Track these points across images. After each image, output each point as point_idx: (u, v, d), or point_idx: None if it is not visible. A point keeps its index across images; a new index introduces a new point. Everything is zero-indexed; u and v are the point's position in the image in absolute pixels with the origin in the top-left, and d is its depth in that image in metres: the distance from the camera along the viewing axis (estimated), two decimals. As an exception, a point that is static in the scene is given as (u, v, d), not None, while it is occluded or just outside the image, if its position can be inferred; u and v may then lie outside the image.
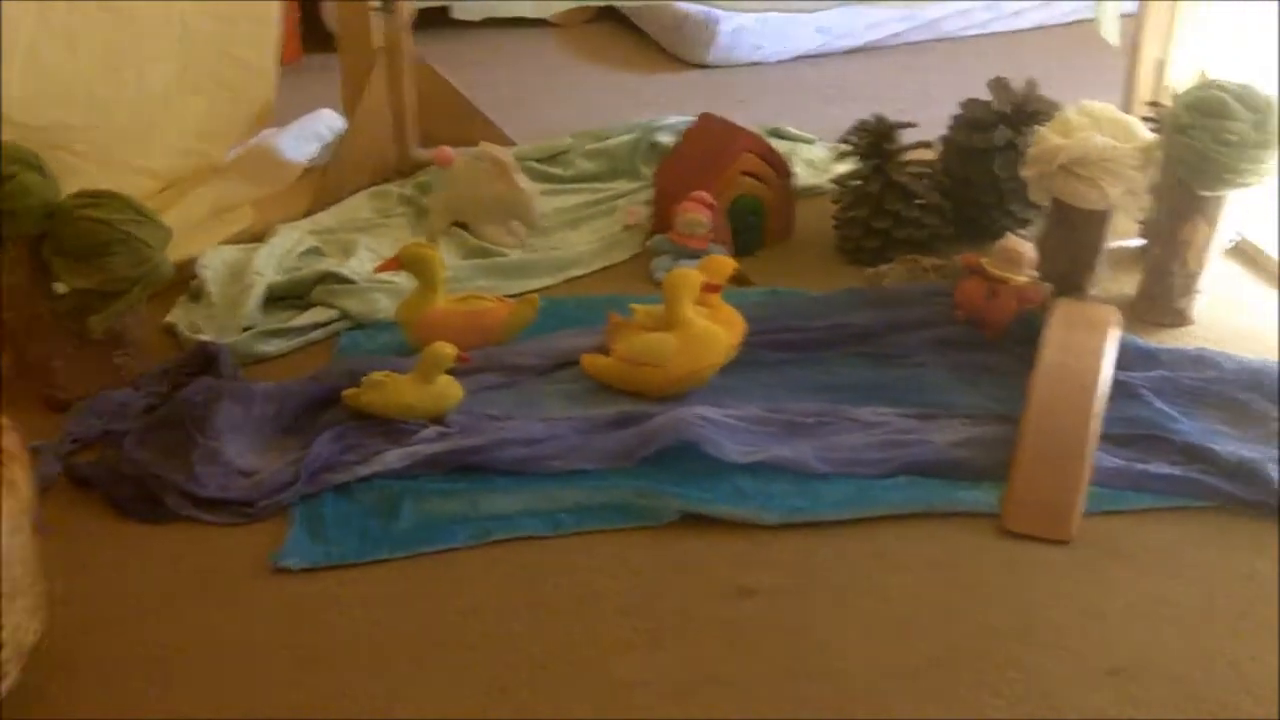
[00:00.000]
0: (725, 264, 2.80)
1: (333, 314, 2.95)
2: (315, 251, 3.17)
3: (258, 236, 3.22)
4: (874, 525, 2.34)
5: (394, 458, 2.45)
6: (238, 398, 2.57)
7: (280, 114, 3.73)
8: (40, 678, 1.99)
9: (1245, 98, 2.82)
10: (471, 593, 2.19)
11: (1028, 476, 2.40)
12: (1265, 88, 2.85)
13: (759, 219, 3.29)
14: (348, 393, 2.54)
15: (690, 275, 2.69)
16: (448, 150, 3.30)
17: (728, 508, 2.35)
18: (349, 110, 3.56)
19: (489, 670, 2.03)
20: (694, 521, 2.34)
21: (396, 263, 2.80)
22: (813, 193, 3.55)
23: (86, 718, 1.96)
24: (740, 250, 3.19)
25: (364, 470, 2.43)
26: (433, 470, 2.45)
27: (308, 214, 3.39)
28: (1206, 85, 2.91)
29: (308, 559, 2.25)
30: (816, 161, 3.75)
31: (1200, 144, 2.80)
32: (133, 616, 2.15)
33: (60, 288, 2.65)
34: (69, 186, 2.67)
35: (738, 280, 2.82)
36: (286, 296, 3.01)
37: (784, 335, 2.84)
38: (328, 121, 3.82)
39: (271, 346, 2.86)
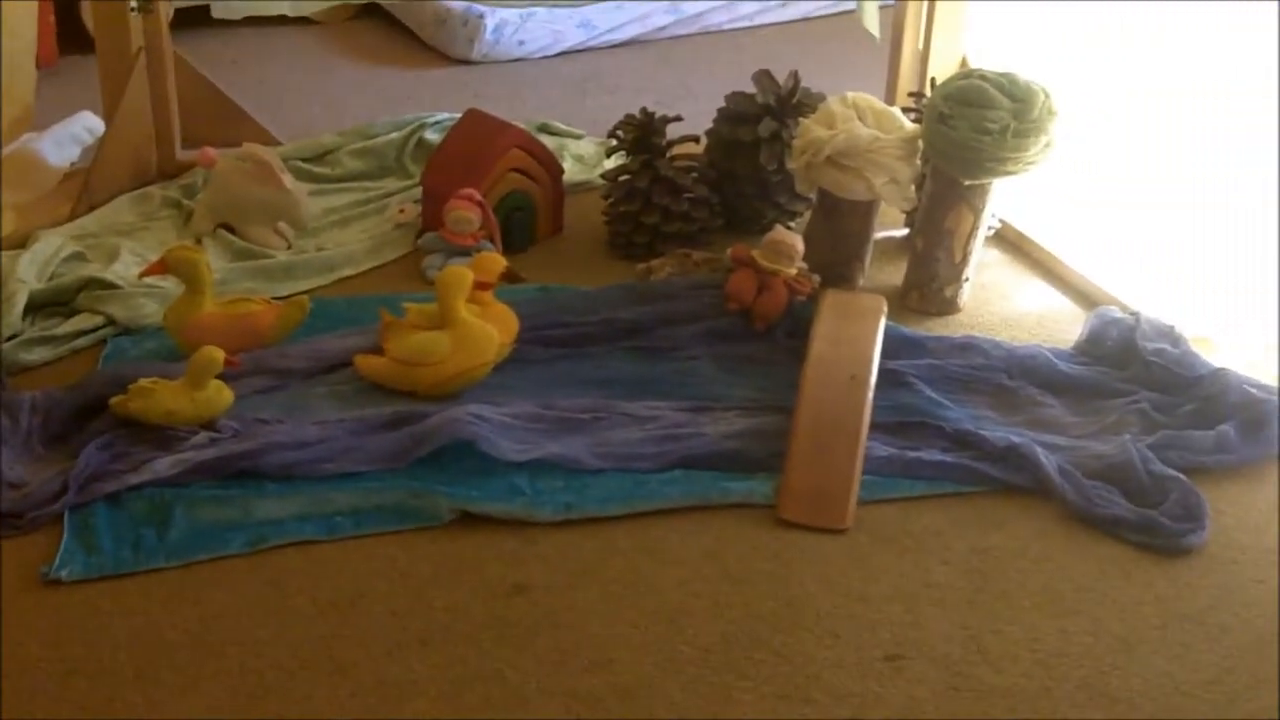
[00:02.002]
0: (496, 261, 2.80)
1: (98, 320, 2.89)
2: (78, 257, 3.10)
3: (18, 243, 3.13)
4: (648, 519, 2.37)
5: (164, 465, 2.41)
6: (3, 408, 2.51)
7: (38, 118, 3.64)
8: None
9: (1005, 86, 2.89)
10: (234, 599, 2.18)
11: (801, 467, 2.45)
12: (1026, 77, 2.92)
13: (529, 215, 3.30)
14: (115, 400, 2.50)
15: (462, 274, 2.69)
16: (211, 151, 3.25)
17: (501, 506, 2.36)
18: (109, 113, 3.49)
19: (240, 677, 2.02)
20: (469, 521, 2.35)
21: (162, 266, 2.75)
22: (582, 188, 3.57)
23: None
24: (511, 247, 3.20)
25: (134, 479, 2.39)
26: (205, 477, 2.41)
27: (70, 219, 3.31)
28: (967, 75, 2.98)
29: (81, 570, 2.21)
30: (585, 157, 3.77)
31: (960, 134, 2.86)
32: (-106, 636, 2.09)
33: None
34: None
35: (509, 278, 2.83)
36: (50, 304, 2.94)
37: (556, 331, 2.86)
38: (87, 124, 3.74)
39: (36, 355, 2.79)
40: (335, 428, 2.53)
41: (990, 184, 2.94)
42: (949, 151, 2.89)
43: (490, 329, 2.67)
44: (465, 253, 3.06)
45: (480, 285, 2.71)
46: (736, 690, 2.02)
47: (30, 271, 2.96)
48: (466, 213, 3.09)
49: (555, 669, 2.05)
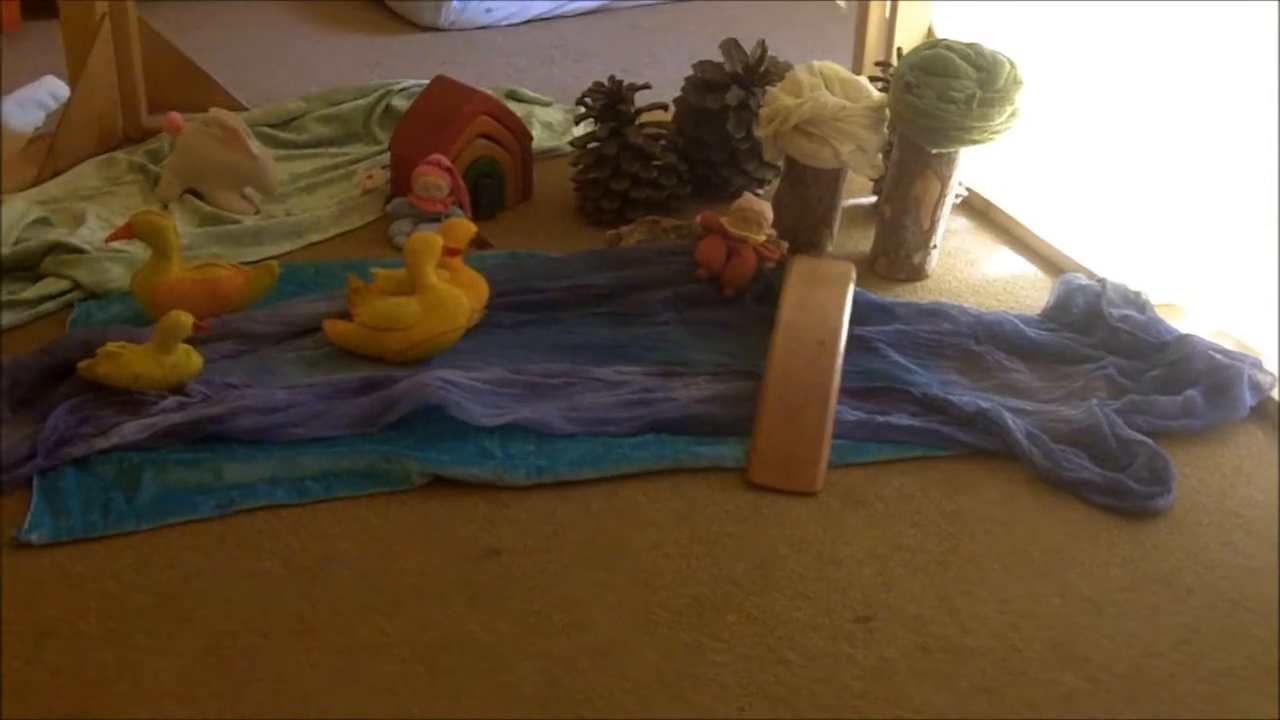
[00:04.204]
0: (465, 227, 2.80)
1: (64, 285, 2.88)
2: (44, 222, 3.08)
3: (-18, 208, 3.13)
4: (620, 483, 2.38)
5: (133, 429, 2.40)
6: (-31, 374, 2.50)
7: (2, 82, 3.62)
8: None
9: (971, 56, 2.89)
10: (205, 562, 2.18)
11: (771, 430, 2.46)
12: (992, 46, 2.93)
13: (497, 182, 3.29)
14: (82, 364, 2.48)
15: (431, 239, 2.69)
16: (176, 116, 3.23)
17: (472, 470, 2.36)
18: (73, 77, 3.46)
19: (211, 639, 2.03)
20: (439, 485, 2.35)
21: (128, 231, 2.74)
22: (551, 155, 3.57)
23: None
24: (480, 214, 3.20)
25: (103, 443, 2.38)
26: (174, 441, 2.41)
27: (34, 184, 3.29)
28: (933, 44, 2.98)
29: (50, 534, 2.20)
30: (554, 124, 3.76)
31: (926, 102, 2.87)
32: None
33: None
34: None
35: (478, 244, 2.83)
36: (16, 268, 2.92)
37: (525, 297, 2.85)
38: (52, 89, 3.72)
39: (3, 319, 2.77)
40: (304, 392, 2.53)
41: (957, 152, 2.95)
42: (915, 120, 2.90)
43: (460, 294, 2.67)
44: (434, 219, 3.06)
45: (449, 251, 2.71)
46: (709, 651, 2.03)
47: (-6, 236, 2.95)
48: (435, 179, 3.08)
49: (528, 631, 2.06)
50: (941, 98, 2.86)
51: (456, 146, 3.18)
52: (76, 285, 2.88)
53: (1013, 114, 2.90)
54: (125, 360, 2.47)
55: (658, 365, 2.68)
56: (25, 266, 2.93)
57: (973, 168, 3.16)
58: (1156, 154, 3.05)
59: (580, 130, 3.39)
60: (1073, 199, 3.23)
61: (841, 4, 3.52)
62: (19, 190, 3.24)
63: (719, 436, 2.49)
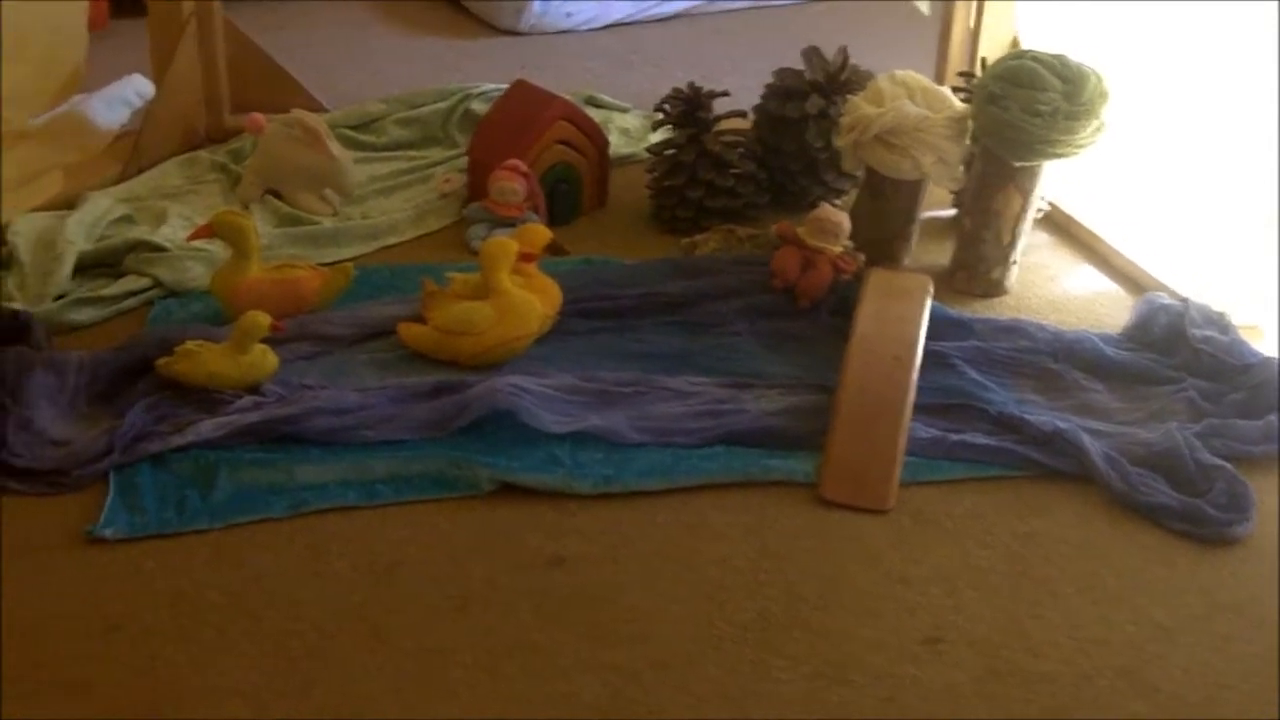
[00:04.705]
0: (541, 233, 2.80)
1: (145, 282, 2.90)
2: (126, 219, 3.11)
3: (68, 204, 3.15)
4: (687, 494, 2.37)
5: (209, 427, 2.42)
6: (51, 367, 2.52)
7: (89, 80, 3.65)
8: None
9: (1057, 68, 2.86)
10: (275, 562, 2.19)
11: (843, 446, 2.44)
12: (1078, 58, 2.89)
13: (574, 187, 3.29)
14: (161, 362, 2.51)
15: (506, 244, 2.69)
16: (259, 117, 3.26)
17: (541, 477, 2.36)
18: (159, 76, 3.50)
19: (279, 639, 2.04)
20: (508, 491, 2.35)
21: (209, 230, 2.76)
22: (627, 161, 3.56)
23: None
24: (555, 219, 3.19)
25: (179, 440, 2.40)
26: (248, 440, 2.43)
27: (118, 181, 3.32)
28: (1018, 55, 2.95)
29: (125, 529, 2.23)
30: (631, 130, 3.76)
31: (1010, 114, 2.84)
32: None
33: None
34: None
35: (553, 249, 2.82)
36: (98, 265, 2.96)
37: (598, 304, 2.85)
38: (137, 87, 3.75)
39: (84, 315, 2.80)
40: (377, 395, 2.53)
41: (1040, 166, 2.92)
42: (999, 132, 2.87)
43: (533, 300, 2.67)
44: (510, 224, 3.06)
45: (524, 256, 2.71)
46: (773, 668, 2.01)
47: (79, 233, 2.98)
48: (512, 184, 3.09)
49: (592, 641, 2.05)
50: (1026, 110, 2.83)
51: (534, 151, 3.18)
52: (157, 283, 2.91)
53: (1098, 128, 2.87)
54: (202, 359, 2.49)
55: (729, 376, 2.67)
56: (107, 263, 2.96)
57: (1055, 182, 3.12)
58: (1244, 173, 3.00)
59: (658, 137, 3.39)
60: (1156, 216, 3.19)
61: (925, 10, 3.49)
62: (103, 187, 3.27)
63: (790, 450, 2.47)
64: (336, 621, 2.07)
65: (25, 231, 2.99)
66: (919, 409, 2.53)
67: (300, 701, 1.93)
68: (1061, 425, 2.50)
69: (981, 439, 2.50)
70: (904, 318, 2.66)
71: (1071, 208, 3.30)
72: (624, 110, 3.89)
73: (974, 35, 3.55)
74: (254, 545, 2.22)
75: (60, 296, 2.83)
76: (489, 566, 2.20)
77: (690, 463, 2.42)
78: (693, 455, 2.45)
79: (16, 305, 2.76)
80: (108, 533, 2.21)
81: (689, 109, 3.25)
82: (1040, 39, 3.29)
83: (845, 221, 2.87)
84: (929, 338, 2.66)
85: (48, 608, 2.08)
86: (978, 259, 3.02)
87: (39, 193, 3.22)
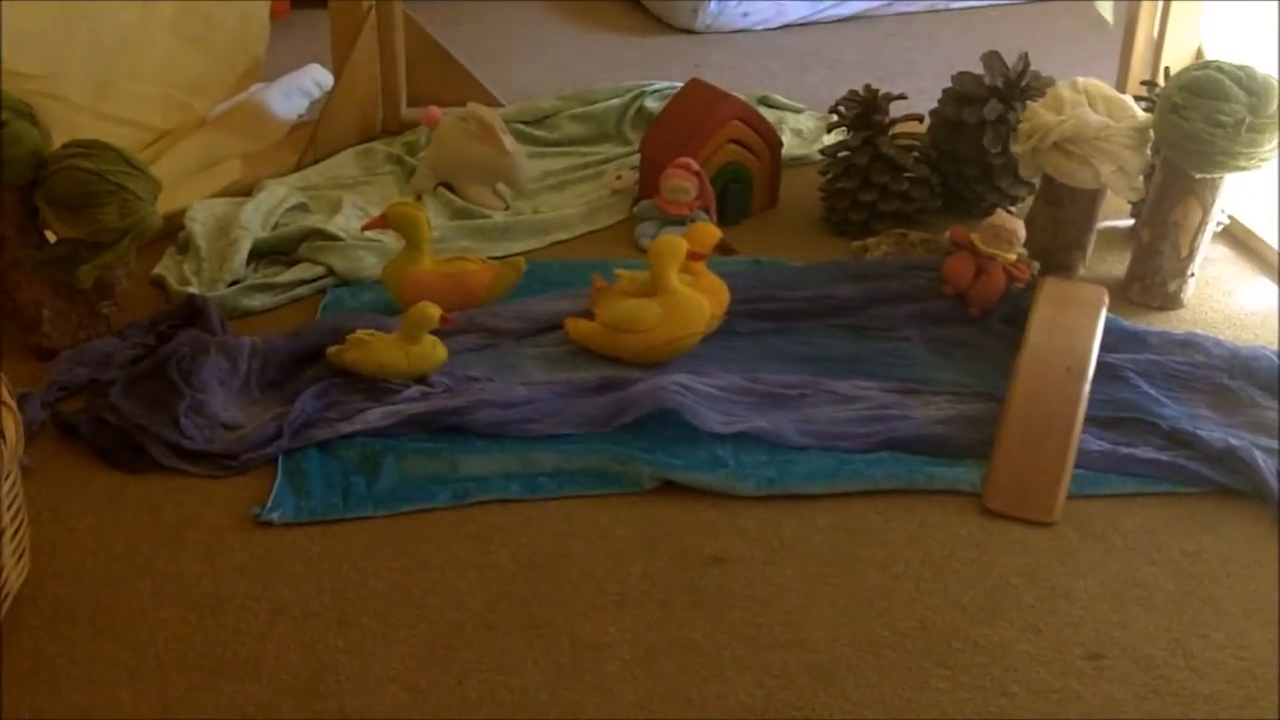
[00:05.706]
0: (710, 232, 2.80)
1: (318, 271, 2.95)
2: (302, 208, 3.17)
3: (245, 191, 3.22)
4: (850, 499, 2.35)
5: (376, 416, 2.45)
6: (224, 351, 2.57)
7: (269, 70, 3.73)
8: (14, 624, 2.01)
9: (1242, 79, 2.79)
10: (437, 551, 2.21)
11: (1010, 456, 2.41)
12: (1264, 70, 2.83)
13: (745, 187, 3.29)
14: (332, 350, 2.54)
15: (676, 242, 2.69)
16: (435, 110, 3.30)
17: (703, 476, 2.36)
18: (338, 67, 3.55)
19: (439, 627, 2.06)
20: (670, 489, 2.35)
21: (383, 221, 2.79)
22: (800, 163, 3.54)
23: (57, 664, 1.97)
24: (725, 219, 3.19)
25: (347, 427, 2.43)
26: (414, 430, 2.45)
27: (295, 170, 3.38)
28: (1203, 65, 2.89)
29: (292, 514, 2.26)
30: (805, 131, 3.74)
31: (1193, 125, 2.78)
32: (109, 565, 2.16)
33: (50, 237, 2.65)
34: (60, 137, 2.66)
35: (722, 249, 2.82)
36: (273, 252, 3.01)
37: (765, 305, 2.84)
38: (316, 78, 3.82)
39: (257, 301, 2.86)
40: (543, 389, 2.55)
41: (1221, 178, 2.86)
42: (1180, 143, 2.82)
43: (701, 299, 2.67)
44: (680, 222, 3.06)
45: (693, 255, 2.71)
46: (933, 678, 1.99)
47: (255, 220, 3.03)
48: (683, 182, 3.09)
49: (749, 642, 2.05)
50: (1209, 121, 2.77)
51: (706, 150, 3.18)
52: (330, 271, 2.95)
53: (1283, 141, 2.80)
54: (373, 348, 2.52)
55: (897, 382, 2.64)
56: (282, 251, 3.02)
57: (1237, 194, 3.05)
58: None
59: (831, 139, 3.37)
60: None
61: (1108, 18, 3.43)
62: (280, 176, 3.32)
63: (955, 459, 2.44)
64: (495, 613, 2.09)
65: (202, 217, 3.06)
66: (1090, 421, 2.49)
67: (456, 691, 1.95)
68: (1234, 442, 2.44)
69: (1152, 453, 2.45)
70: (1077, 329, 2.62)
71: (1252, 221, 3.22)
72: (798, 111, 3.87)
73: (1158, 44, 3.48)
74: (416, 534, 2.25)
75: (235, 282, 2.88)
76: (648, 563, 2.20)
77: (854, 467, 2.40)
78: (857, 460, 2.43)
79: (192, 289, 2.83)
80: (274, 516, 2.25)
81: (864, 111, 3.22)
82: (1225, 49, 3.22)
83: (1021, 229, 2.83)
84: (1102, 349, 2.61)
85: (216, 588, 2.12)
86: (1154, 271, 2.96)
87: (217, 180, 3.29)
